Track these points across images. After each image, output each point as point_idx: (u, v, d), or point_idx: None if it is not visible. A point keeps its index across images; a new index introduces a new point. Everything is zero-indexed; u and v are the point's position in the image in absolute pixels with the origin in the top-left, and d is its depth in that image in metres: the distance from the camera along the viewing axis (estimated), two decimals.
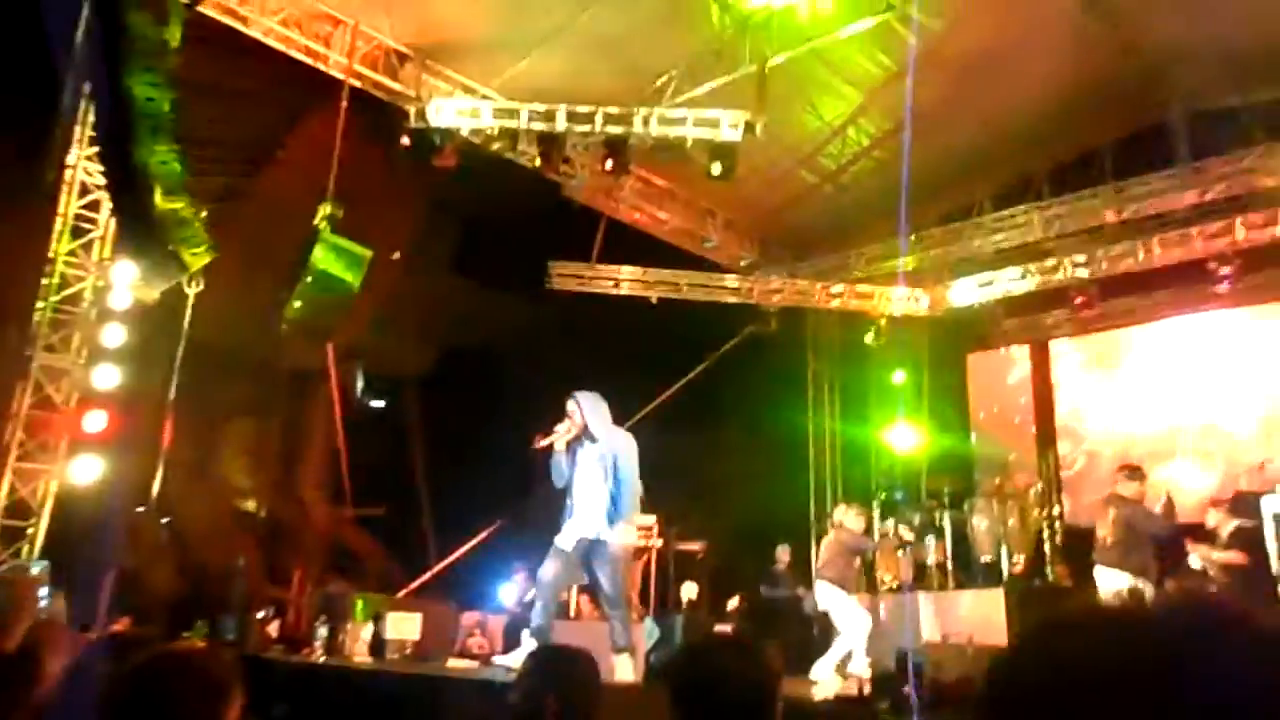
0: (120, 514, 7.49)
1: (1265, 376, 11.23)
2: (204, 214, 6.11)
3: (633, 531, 5.79)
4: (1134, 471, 7.39)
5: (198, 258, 6.14)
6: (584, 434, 5.58)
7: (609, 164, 9.82)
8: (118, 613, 6.90)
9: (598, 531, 5.51)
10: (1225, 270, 10.78)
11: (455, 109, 9.49)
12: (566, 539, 5.61)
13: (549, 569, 5.62)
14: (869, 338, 12.63)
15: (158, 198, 5.63)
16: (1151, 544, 6.95)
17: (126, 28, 5.46)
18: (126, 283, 7.58)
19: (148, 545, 7.92)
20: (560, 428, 5.60)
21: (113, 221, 7.64)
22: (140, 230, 6.13)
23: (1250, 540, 7.56)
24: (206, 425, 10.10)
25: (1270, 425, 10.94)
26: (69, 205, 7.90)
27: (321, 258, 7.73)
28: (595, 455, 5.59)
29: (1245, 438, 11.14)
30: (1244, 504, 8.74)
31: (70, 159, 7.73)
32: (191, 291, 7.06)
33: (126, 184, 5.88)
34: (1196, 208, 10.94)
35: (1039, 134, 11.49)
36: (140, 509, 8.06)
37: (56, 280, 7.79)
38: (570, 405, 5.67)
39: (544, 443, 5.61)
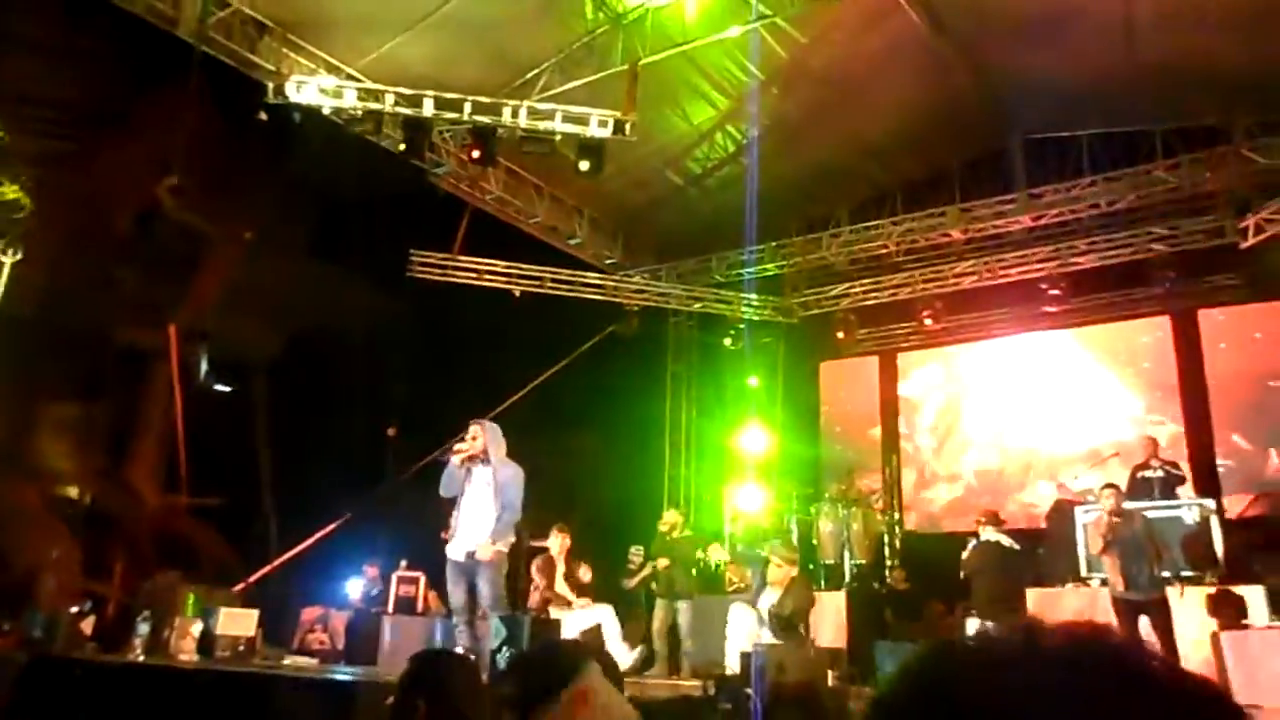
0: None
1: (1085, 394, 12.06)
2: (24, 178, 5.63)
3: (504, 546, 6.40)
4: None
5: (14, 224, 5.67)
6: (481, 457, 6.31)
7: (475, 154, 9.67)
8: None
9: (478, 545, 6.23)
10: (1054, 292, 11.58)
11: (317, 87, 9.13)
12: (457, 551, 6.32)
13: (457, 591, 6.30)
14: (727, 341, 12.90)
15: None
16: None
17: None
18: None
19: None
20: (461, 446, 6.32)
21: None
22: None
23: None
24: (22, 405, 9.35)
25: (1086, 439, 11.74)
26: None
27: None
28: (485, 478, 6.33)
29: (1067, 451, 11.91)
30: (1061, 513, 9.38)
31: None
32: (8, 260, 6.48)
33: None
34: (1031, 231, 11.68)
35: (894, 152, 12.02)
36: None
37: None
38: (474, 428, 6.39)
39: (448, 455, 6.37)
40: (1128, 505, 7.25)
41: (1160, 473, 8.81)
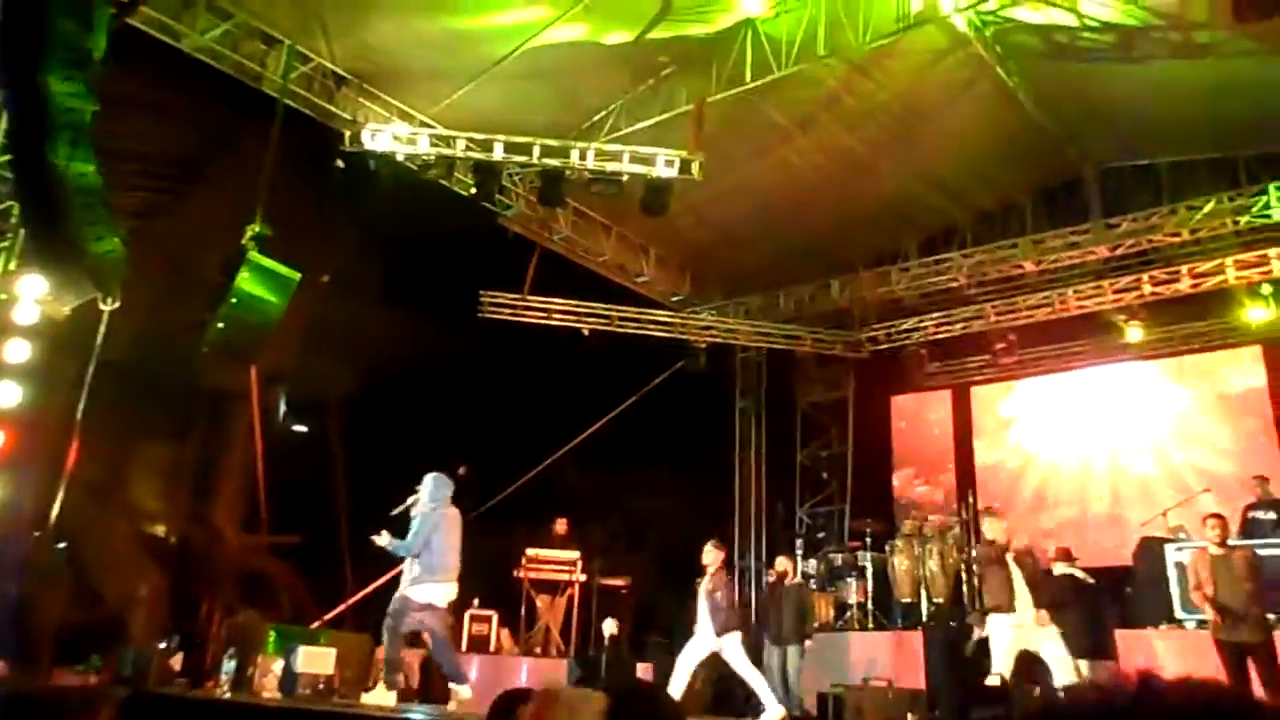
0: (13, 539, 7.09)
1: (1169, 427, 11.66)
2: (123, 230, 5.89)
3: (417, 590, 7.03)
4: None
5: (114, 274, 5.92)
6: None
7: (544, 195, 9.84)
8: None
9: None
10: (1134, 322, 11.26)
11: (391, 134, 9.40)
12: None
13: None
14: (796, 377, 12.82)
15: (74, 210, 5.40)
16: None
17: (49, 30, 5.23)
18: (34, 297, 7.24)
19: (39, 572, 7.49)
20: (410, 499, 7.08)
21: (22, 232, 7.32)
22: (53, 243, 5.88)
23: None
24: (115, 447, 9.69)
25: (1172, 474, 11.32)
26: None
27: (246, 279, 7.55)
28: None
29: (1151, 486, 11.50)
30: (1148, 550, 9.03)
31: None
32: (106, 309, 6.77)
33: (40, 193, 5.62)
34: (1108, 261, 11.41)
35: (963, 184, 11.89)
36: (35, 534, 7.65)
37: None
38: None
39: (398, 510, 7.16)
40: (1231, 542, 6.93)
41: (1273, 514, 8.43)
